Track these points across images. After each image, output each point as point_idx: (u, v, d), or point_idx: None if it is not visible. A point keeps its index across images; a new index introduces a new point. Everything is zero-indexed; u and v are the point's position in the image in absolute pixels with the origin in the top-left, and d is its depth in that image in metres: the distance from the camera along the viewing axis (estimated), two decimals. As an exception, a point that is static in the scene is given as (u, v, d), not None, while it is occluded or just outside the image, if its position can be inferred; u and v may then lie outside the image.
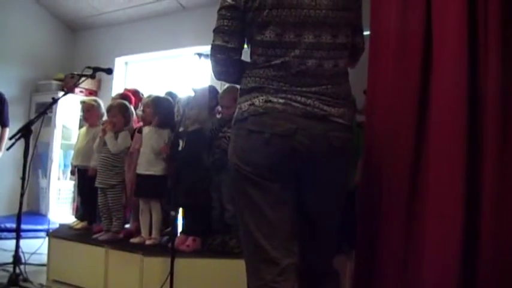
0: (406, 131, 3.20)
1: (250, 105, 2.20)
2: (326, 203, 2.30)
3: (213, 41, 2.32)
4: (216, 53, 2.32)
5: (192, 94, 4.37)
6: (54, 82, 8.06)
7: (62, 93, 7.11)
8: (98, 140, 4.98)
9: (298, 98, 2.14)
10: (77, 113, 7.79)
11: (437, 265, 2.93)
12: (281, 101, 2.14)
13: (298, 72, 2.15)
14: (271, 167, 2.15)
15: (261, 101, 2.17)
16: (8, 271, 4.61)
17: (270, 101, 2.15)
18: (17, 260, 4.20)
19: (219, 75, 2.42)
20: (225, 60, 2.31)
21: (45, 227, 6.78)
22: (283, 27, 2.16)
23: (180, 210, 4.35)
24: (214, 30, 2.32)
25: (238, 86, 2.40)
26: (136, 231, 4.67)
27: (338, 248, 2.96)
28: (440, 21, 3.08)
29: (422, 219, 3.09)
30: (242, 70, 2.32)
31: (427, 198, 3.08)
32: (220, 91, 4.50)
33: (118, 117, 4.81)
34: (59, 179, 7.96)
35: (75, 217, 5.82)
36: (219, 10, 2.30)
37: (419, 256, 3.07)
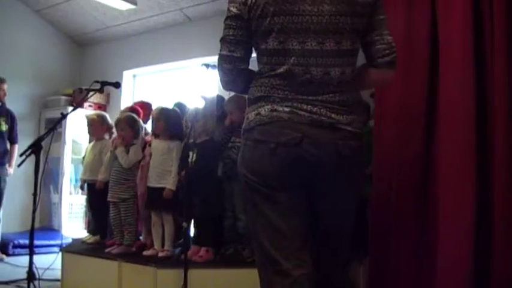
0: (415, 134, 3.20)
1: (256, 114, 2.18)
2: (338, 211, 2.27)
3: (220, 50, 2.31)
4: (223, 62, 2.30)
5: (200, 104, 4.38)
6: (63, 97, 8.09)
7: (70, 108, 7.16)
8: (108, 154, 4.99)
9: (304, 106, 2.11)
10: (86, 127, 7.82)
11: (450, 263, 2.93)
12: (286, 109, 2.11)
13: (303, 81, 2.12)
14: (278, 176, 2.13)
15: (266, 110, 2.15)
16: (21, 287, 4.62)
17: (276, 110, 2.13)
18: (31, 276, 4.19)
19: (226, 85, 2.41)
20: (232, 70, 2.30)
21: (58, 242, 6.79)
22: (286, 34, 2.13)
23: (192, 221, 4.33)
24: (220, 40, 2.30)
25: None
26: (149, 244, 4.67)
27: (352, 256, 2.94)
28: (445, 24, 3.09)
29: (434, 219, 3.09)
30: (250, 80, 2.30)
31: (438, 198, 3.07)
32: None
33: (127, 130, 4.82)
34: (70, 193, 7.97)
35: (87, 231, 5.84)
36: (225, 20, 2.28)
37: (432, 256, 3.06)
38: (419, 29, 3.22)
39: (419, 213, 3.17)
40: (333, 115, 2.11)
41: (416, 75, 3.21)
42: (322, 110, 2.10)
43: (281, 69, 2.15)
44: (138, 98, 7.65)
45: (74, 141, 8.02)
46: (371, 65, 2.30)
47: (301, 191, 2.18)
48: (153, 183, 4.47)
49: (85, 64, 8.77)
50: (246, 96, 2.33)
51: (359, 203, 2.42)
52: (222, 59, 2.31)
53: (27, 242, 6.60)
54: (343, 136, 2.12)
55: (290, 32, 2.13)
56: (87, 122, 5.68)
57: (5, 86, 6.57)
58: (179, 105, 5.30)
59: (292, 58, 2.13)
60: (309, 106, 2.11)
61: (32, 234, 4.23)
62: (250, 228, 2.31)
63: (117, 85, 4.60)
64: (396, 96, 3.32)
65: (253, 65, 2.34)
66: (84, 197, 7.48)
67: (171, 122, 4.56)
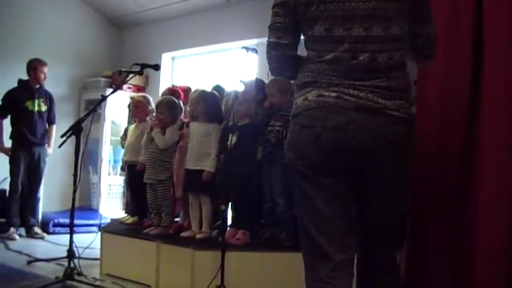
0: (457, 122, 3.15)
1: (303, 100, 2.17)
2: (385, 197, 2.24)
3: (268, 37, 2.32)
4: (271, 49, 2.32)
5: (240, 88, 4.37)
6: (102, 79, 8.19)
7: (110, 90, 7.23)
8: (145, 136, 5.03)
9: (351, 91, 2.09)
10: (125, 109, 7.90)
11: (489, 252, 2.88)
12: (333, 94, 2.10)
13: (350, 67, 2.10)
14: (323, 161, 2.12)
15: (313, 95, 2.14)
16: (62, 265, 4.71)
17: (322, 95, 2.12)
18: (71, 254, 4.27)
19: (275, 71, 2.44)
20: (279, 57, 2.32)
21: (96, 221, 6.91)
22: (332, 21, 2.12)
23: (230, 203, 4.34)
24: (268, 27, 2.32)
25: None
26: (187, 226, 4.71)
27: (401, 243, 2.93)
28: (491, 14, 3.01)
29: (473, 210, 3.03)
30: (298, 66, 2.30)
31: (478, 189, 3.02)
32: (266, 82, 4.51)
33: (165, 113, 4.85)
34: (109, 174, 8.09)
35: (126, 212, 5.92)
36: (273, 7, 2.30)
37: (471, 246, 3.02)
38: (464, 18, 3.16)
39: (460, 201, 3.12)
40: (379, 100, 2.09)
41: (460, 64, 3.15)
42: (369, 95, 2.08)
43: (328, 56, 2.14)
44: (177, 81, 7.72)
45: (113, 123, 8.13)
46: (409, 53, 2.31)
47: (347, 177, 2.17)
48: (191, 165, 4.48)
49: (124, 46, 8.85)
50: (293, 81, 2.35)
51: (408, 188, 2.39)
52: (270, 46, 2.32)
53: (66, 220, 6.75)
54: (389, 121, 2.09)
55: (336, 18, 2.11)
56: (132, 103, 5.73)
57: (46, 69, 6.67)
58: (217, 88, 5.31)
59: (339, 45, 2.11)
60: (356, 91, 2.09)
61: (72, 214, 4.31)
62: (296, 212, 2.32)
63: (157, 67, 4.62)
64: (439, 84, 3.26)
65: (302, 51, 2.34)
66: (123, 178, 7.59)
67: (210, 105, 4.57)
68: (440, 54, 3.09)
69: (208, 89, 5.12)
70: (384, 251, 2.35)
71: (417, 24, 2.25)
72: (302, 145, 2.17)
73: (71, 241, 4.32)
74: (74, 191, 4.30)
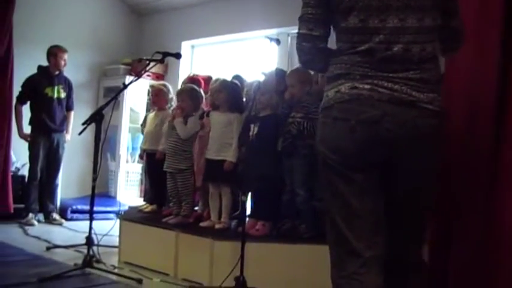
0: (484, 116, 3.10)
1: (336, 92, 2.15)
2: (413, 191, 2.23)
3: (299, 29, 2.29)
4: (302, 41, 2.29)
5: (262, 78, 4.35)
6: (122, 66, 8.18)
7: (129, 77, 7.27)
8: (166, 124, 5.02)
9: (385, 84, 2.07)
10: (144, 96, 7.91)
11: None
12: (367, 86, 2.08)
13: (384, 58, 2.09)
14: (357, 155, 2.11)
15: (346, 87, 2.12)
16: (80, 252, 4.73)
17: (356, 87, 2.10)
18: (90, 242, 4.29)
19: (305, 63, 2.42)
20: (311, 49, 2.28)
21: (114, 208, 6.96)
22: (367, 12, 2.10)
23: (249, 194, 4.34)
24: (299, 19, 2.29)
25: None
26: (206, 215, 4.70)
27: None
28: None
29: (499, 208, 2.99)
30: (329, 58, 2.27)
31: (504, 187, 2.98)
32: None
33: (187, 102, 4.82)
34: (127, 161, 8.10)
35: (144, 200, 5.92)
36: None
37: (496, 244, 2.98)
38: (493, 14, 3.10)
39: (485, 198, 3.08)
40: (413, 93, 2.07)
41: (488, 61, 3.10)
42: (402, 87, 2.07)
43: (362, 47, 2.12)
44: (196, 70, 7.71)
45: (131, 110, 8.14)
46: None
47: (379, 171, 2.16)
48: (212, 155, 4.48)
49: (144, 34, 8.83)
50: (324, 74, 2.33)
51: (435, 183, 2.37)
52: (301, 37, 2.29)
53: (84, 207, 6.80)
54: (423, 114, 2.08)
55: (371, 9, 2.09)
56: (152, 91, 5.73)
57: (66, 56, 6.67)
58: (237, 78, 5.30)
59: (374, 36, 2.10)
60: (390, 83, 2.07)
61: (92, 202, 4.32)
62: (325, 206, 2.29)
63: (178, 56, 4.61)
64: (466, 80, 3.22)
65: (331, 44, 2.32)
66: (141, 165, 7.61)
67: (232, 94, 4.56)
68: (468, 50, 3.06)
69: (228, 78, 5.10)
70: (410, 247, 2.33)
71: (446, 17, 2.24)
72: (335, 139, 2.14)
73: (90, 228, 4.34)
74: (94, 179, 4.30)
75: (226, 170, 4.36)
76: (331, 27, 2.28)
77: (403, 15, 2.08)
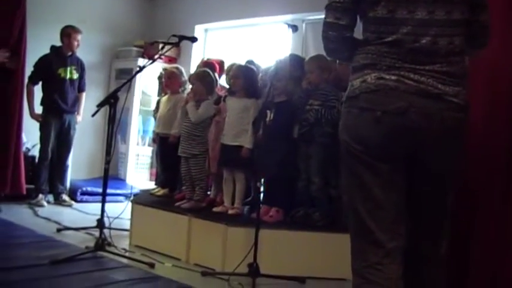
0: (502, 121, 3.07)
1: (362, 82, 2.14)
2: (438, 185, 2.22)
3: (325, 17, 2.27)
4: (328, 30, 2.26)
5: (278, 64, 4.31)
6: (134, 49, 8.14)
7: (141, 59, 7.23)
8: (180, 108, 5.00)
9: (411, 75, 2.06)
10: (156, 79, 7.87)
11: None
12: (393, 77, 2.07)
13: (411, 50, 2.08)
14: (382, 146, 2.09)
15: (373, 78, 2.10)
16: (91, 234, 4.73)
17: (382, 78, 2.08)
18: (101, 225, 4.27)
19: (330, 52, 2.40)
20: (337, 38, 2.26)
21: (123, 191, 6.94)
22: (396, 3, 2.09)
23: (263, 180, 4.31)
24: (326, 7, 2.26)
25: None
26: (219, 200, 4.68)
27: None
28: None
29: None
30: (354, 47, 2.26)
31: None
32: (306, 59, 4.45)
33: (200, 86, 4.79)
34: (137, 144, 8.08)
35: (155, 184, 5.90)
36: None
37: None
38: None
39: (503, 199, 3.05)
40: (439, 86, 2.06)
41: (510, 53, 3.06)
42: (429, 80, 2.05)
43: (390, 38, 2.10)
44: (209, 54, 7.66)
45: (143, 93, 8.12)
46: None
47: (403, 163, 2.15)
48: (228, 141, 4.46)
49: (157, 16, 8.78)
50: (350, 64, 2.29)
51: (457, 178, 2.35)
52: (327, 26, 2.26)
53: (94, 189, 6.79)
54: (449, 107, 2.07)
55: (400, 0, 2.08)
56: (165, 74, 5.70)
57: (80, 37, 6.63)
58: (251, 63, 5.25)
59: (402, 27, 2.08)
60: (416, 75, 2.06)
61: (105, 185, 4.30)
62: (345, 196, 2.28)
63: (194, 40, 4.59)
64: (489, 77, 3.18)
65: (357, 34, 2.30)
66: (151, 148, 7.59)
67: (249, 80, 4.53)
68: (494, 46, 3.02)
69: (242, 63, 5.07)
70: (430, 241, 2.32)
71: (474, 11, 2.21)
72: (360, 129, 2.13)
73: (103, 211, 4.32)
74: (108, 162, 4.28)
75: (244, 157, 4.33)
76: (358, 17, 2.26)
77: (432, 7, 2.07)
